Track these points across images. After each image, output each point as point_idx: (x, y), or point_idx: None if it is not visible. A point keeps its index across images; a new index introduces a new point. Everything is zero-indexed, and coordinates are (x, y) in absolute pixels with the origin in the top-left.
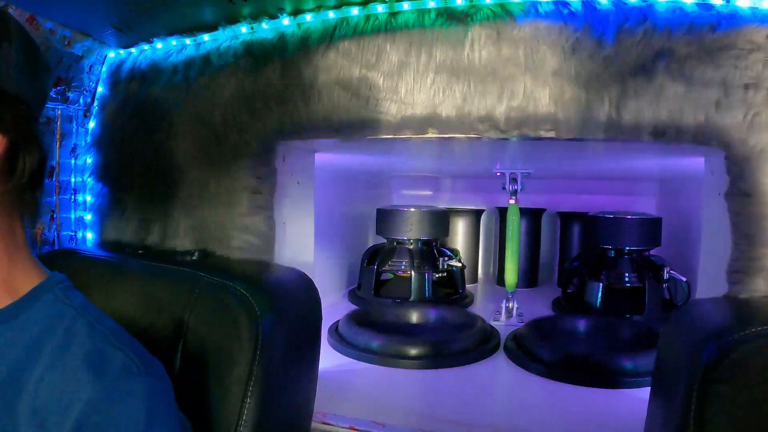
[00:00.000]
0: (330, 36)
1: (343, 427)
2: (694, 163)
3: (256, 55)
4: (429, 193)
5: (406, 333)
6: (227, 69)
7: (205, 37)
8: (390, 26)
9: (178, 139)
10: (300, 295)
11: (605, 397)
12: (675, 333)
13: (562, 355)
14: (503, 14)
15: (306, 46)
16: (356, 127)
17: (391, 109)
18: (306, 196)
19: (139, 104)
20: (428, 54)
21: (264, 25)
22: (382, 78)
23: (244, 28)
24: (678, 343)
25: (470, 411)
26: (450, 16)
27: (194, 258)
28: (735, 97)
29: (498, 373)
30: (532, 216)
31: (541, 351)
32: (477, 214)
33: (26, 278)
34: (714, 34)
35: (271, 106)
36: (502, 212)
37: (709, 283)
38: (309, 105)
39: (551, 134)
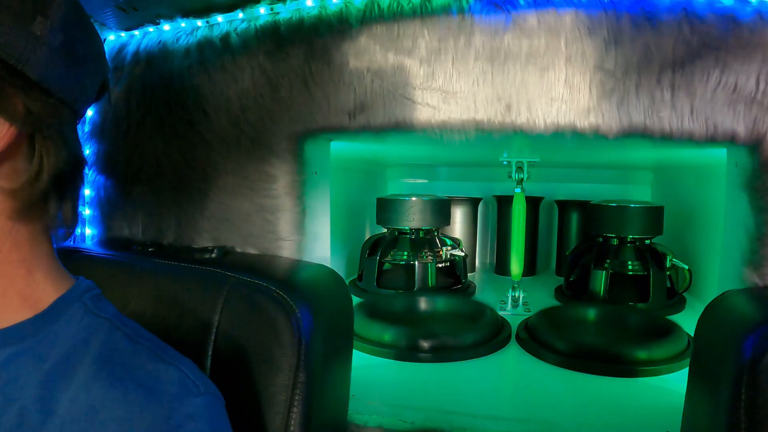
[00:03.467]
0: (361, 18)
1: (372, 427)
2: (695, 153)
3: (279, 36)
4: (424, 181)
5: (419, 325)
6: (247, 52)
7: (219, 18)
8: (425, 10)
9: (193, 128)
10: (333, 293)
11: (621, 386)
12: (712, 324)
13: (577, 345)
14: (544, 2)
15: (334, 27)
16: (391, 122)
17: (432, 100)
18: (323, 187)
19: (145, 90)
20: (467, 41)
21: (284, 5)
22: (419, 66)
23: (263, 9)
24: (717, 333)
25: (493, 403)
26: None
27: (213, 256)
28: None
29: (514, 363)
30: (531, 204)
31: (555, 341)
32: (474, 202)
33: (49, 288)
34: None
35: (297, 91)
36: (501, 201)
37: (732, 273)
38: (339, 92)
39: (593, 130)
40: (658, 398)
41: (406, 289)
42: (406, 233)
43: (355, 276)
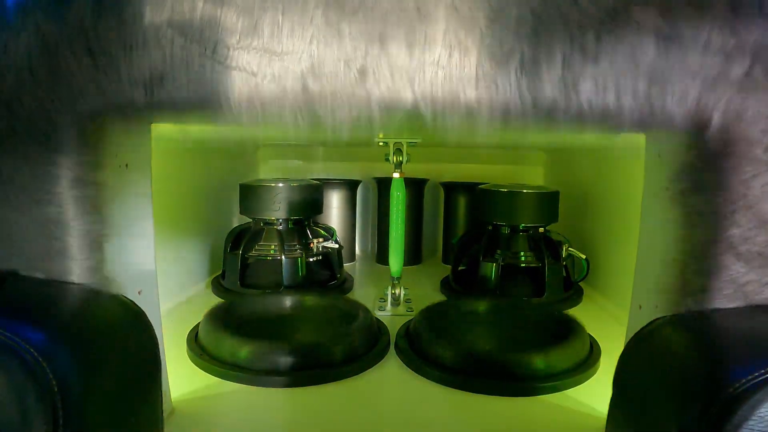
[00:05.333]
0: None
1: None
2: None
3: None
4: (299, 162)
5: (276, 339)
6: (23, 9)
7: None
8: None
9: None
10: (126, 339)
11: (519, 407)
12: (645, 365)
13: (465, 356)
14: None
15: None
16: (199, 96)
17: (253, 64)
18: (140, 184)
19: None
20: None
21: None
22: (236, 16)
23: None
24: (652, 381)
25: None
26: None
27: None
28: (719, 70)
29: (392, 384)
30: (415, 187)
31: (439, 351)
32: (353, 185)
33: None
34: None
35: (80, 59)
36: (381, 183)
37: (652, 290)
38: (131, 58)
39: (482, 106)
40: (560, 419)
41: (275, 287)
42: (273, 224)
43: (220, 273)
